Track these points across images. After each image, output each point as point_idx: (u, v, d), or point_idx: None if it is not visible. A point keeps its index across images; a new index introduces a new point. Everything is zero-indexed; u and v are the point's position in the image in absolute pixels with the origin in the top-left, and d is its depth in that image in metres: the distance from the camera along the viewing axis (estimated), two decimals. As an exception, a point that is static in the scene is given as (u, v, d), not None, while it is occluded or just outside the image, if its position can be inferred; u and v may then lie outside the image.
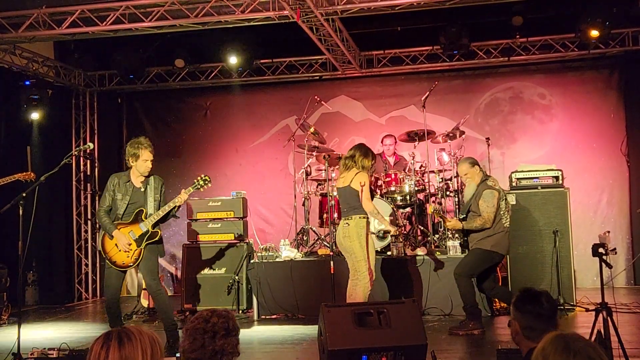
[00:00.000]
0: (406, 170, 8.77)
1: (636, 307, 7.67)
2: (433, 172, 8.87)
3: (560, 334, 2.20)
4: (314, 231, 8.88)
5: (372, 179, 8.10)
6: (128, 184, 6.17)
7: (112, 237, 6.12)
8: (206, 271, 8.50)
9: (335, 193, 7.48)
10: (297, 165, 9.77)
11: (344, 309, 4.97)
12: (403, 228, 8.54)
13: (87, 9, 8.31)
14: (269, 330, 7.44)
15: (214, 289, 8.36)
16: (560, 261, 7.79)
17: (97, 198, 10.95)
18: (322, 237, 8.73)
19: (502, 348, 4.88)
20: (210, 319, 2.79)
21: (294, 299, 8.03)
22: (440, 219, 7.25)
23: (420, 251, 7.92)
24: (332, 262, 7.03)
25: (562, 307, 7.49)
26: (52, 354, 5.66)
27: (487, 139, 9.37)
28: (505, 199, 6.83)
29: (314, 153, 9.13)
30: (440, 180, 8.72)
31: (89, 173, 11.28)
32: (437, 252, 7.96)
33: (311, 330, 6.75)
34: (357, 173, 6.49)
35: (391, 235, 7.79)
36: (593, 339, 4.38)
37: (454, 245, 7.79)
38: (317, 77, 11.02)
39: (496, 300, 7.61)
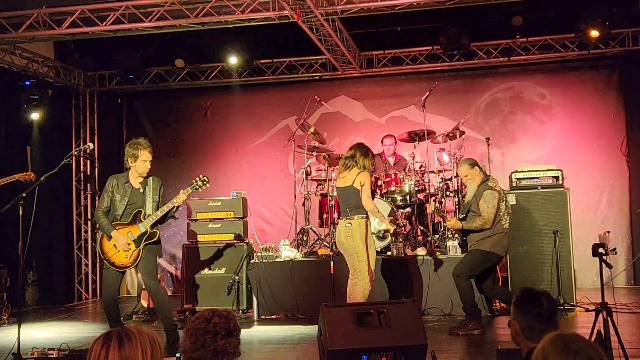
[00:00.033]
0: (406, 171, 8.77)
1: (636, 307, 7.67)
2: (433, 172, 8.87)
3: (560, 334, 2.20)
4: (314, 231, 8.88)
5: (372, 179, 8.10)
6: (127, 185, 6.18)
7: (110, 237, 6.12)
8: (206, 271, 8.51)
9: (334, 193, 7.48)
10: (297, 166, 9.78)
11: (344, 309, 4.97)
12: (403, 228, 8.54)
13: (87, 9, 8.31)
14: (269, 330, 7.44)
15: (214, 289, 8.36)
16: (560, 261, 7.79)
17: (97, 198, 10.95)
18: (322, 237, 8.73)
19: (502, 348, 4.88)
20: (211, 319, 2.78)
21: (294, 299, 8.03)
22: (441, 218, 7.25)
23: (420, 251, 7.92)
24: (332, 262, 7.03)
25: (562, 307, 7.49)
26: (52, 354, 5.66)
27: (487, 139, 9.37)
28: (506, 200, 6.82)
29: (314, 153, 9.13)
30: (440, 180, 8.72)
31: (89, 173, 11.28)
32: (437, 252, 7.97)
33: (311, 330, 6.75)
34: (359, 173, 6.50)
35: (390, 235, 7.79)
36: (593, 339, 4.38)
37: (454, 246, 7.79)
38: (317, 77, 11.02)
39: (496, 300, 7.61)
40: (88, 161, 11.25)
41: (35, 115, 10.08)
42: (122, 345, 2.19)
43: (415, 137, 9.12)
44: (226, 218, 8.71)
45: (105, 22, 8.40)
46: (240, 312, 8.25)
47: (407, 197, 8.62)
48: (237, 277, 8.27)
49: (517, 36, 9.99)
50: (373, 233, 6.72)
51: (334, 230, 6.86)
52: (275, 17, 8.20)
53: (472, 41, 9.94)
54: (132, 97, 11.84)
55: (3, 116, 10.02)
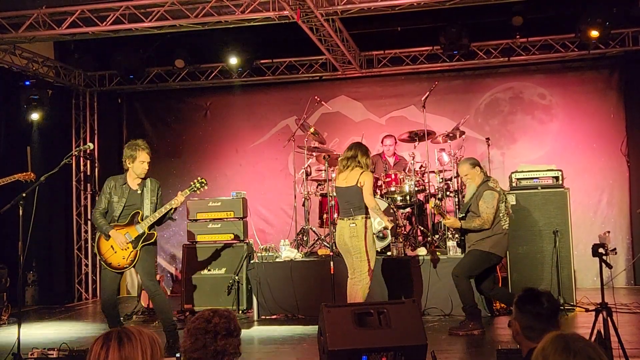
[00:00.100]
0: (406, 171, 8.77)
1: (636, 307, 7.67)
2: (433, 172, 8.87)
3: (560, 334, 2.20)
4: (314, 231, 8.88)
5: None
6: (124, 186, 6.18)
7: (108, 237, 6.12)
8: (206, 271, 8.51)
9: (334, 193, 7.48)
10: (297, 166, 9.78)
11: (344, 309, 4.97)
12: (403, 228, 8.54)
13: (87, 9, 8.31)
14: (269, 331, 7.43)
15: (214, 289, 8.36)
16: (561, 261, 7.78)
17: (97, 198, 10.94)
18: (322, 237, 8.72)
19: (502, 348, 4.88)
20: (212, 319, 2.78)
21: (294, 299, 8.03)
22: (440, 216, 7.25)
23: (421, 251, 7.92)
24: (332, 263, 7.03)
25: (562, 308, 7.49)
26: (52, 354, 5.66)
27: (487, 139, 9.36)
28: (506, 201, 6.82)
29: (314, 153, 9.13)
30: (441, 180, 8.72)
31: (89, 173, 11.28)
32: (437, 252, 7.97)
33: (311, 330, 6.75)
34: (361, 172, 6.52)
35: (391, 234, 7.79)
36: (593, 339, 4.38)
37: (454, 246, 7.79)
38: (317, 78, 11.02)
39: (496, 300, 7.61)
40: (88, 161, 11.25)
41: (35, 116, 10.08)
42: (122, 346, 2.19)
43: (415, 137, 9.12)
44: (226, 218, 8.71)
45: (105, 22, 8.40)
46: (241, 312, 8.25)
47: (407, 198, 8.62)
48: (237, 277, 8.27)
49: (517, 36, 9.99)
50: (373, 233, 6.73)
51: (334, 230, 6.86)
52: (275, 17, 8.20)
53: (472, 41, 9.95)
54: (132, 97, 11.85)
55: (3, 116, 10.02)
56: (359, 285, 6.47)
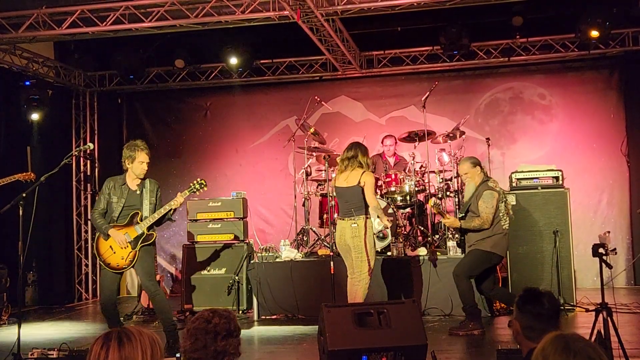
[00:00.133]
0: (406, 171, 8.77)
1: (636, 307, 7.67)
2: (433, 172, 8.87)
3: (560, 334, 2.20)
4: (314, 231, 8.88)
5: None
6: (123, 187, 6.19)
7: (107, 237, 6.12)
8: (206, 271, 8.51)
9: (334, 193, 7.48)
10: (297, 166, 9.78)
11: (344, 309, 4.97)
12: (403, 228, 8.54)
13: (87, 9, 8.31)
14: (269, 331, 7.44)
15: (214, 289, 8.36)
16: (561, 261, 7.78)
17: (96, 199, 10.94)
18: (322, 237, 8.72)
19: (502, 348, 4.88)
20: (211, 319, 2.77)
21: (294, 299, 8.03)
22: (440, 215, 7.25)
23: (421, 251, 7.92)
24: (332, 263, 7.03)
25: (562, 308, 7.49)
26: (52, 354, 5.65)
27: (487, 139, 9.37)
28: (505, 201, 6.82)
29: (314, 153, 9.13)
30: (441, 180, 8.72)
31: (89, 173, 11.28)
32: (438, 253, 7.96)
33: (311, 330, 6.75)
34: (363, 172, 6.52)
35: (391, 235, 7.79)
36: (593, 339, 4.38)
37: (454, 246, 7.79)
38: (318, 78, 11.02)
39: (496, 300, 7.61)
40: (88, 161, 11.25)
41: (35, 116, 10.08)
42: (121, 346, 2.19)
43: (415, 137, 9.12)
44: (226, 218, 8.71)
45: (105, 23, 8.41)
46: (241, 312, 8.25)
47: (408, 198, 8.62)
48: (237, 278, 8.27)
49: (517, 36, 9.99)
50: (374, 233, 6.73)
51: (334, 230, 6.87)
52: (276, 18, 8.20)
53: (472, 41, 9.94)
54: (132, 98, 11.85)
55: (3, 116, 10.02)
56: (358, 285, 6.48)
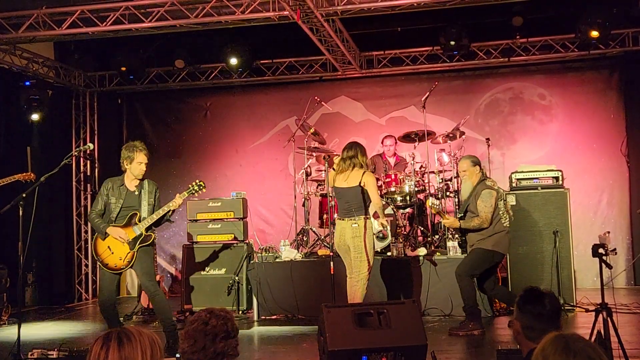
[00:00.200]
0: (406, 171, 8.77)
1: (636, 307, 7.67)
2: (433, 172, 8.87)
3: (560, 334, 2.20)
4: (314, 232, 8.88)
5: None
6: (122, 188, 6.19)
7: (104, 237, 6.12)
8: (206, 272, 8.51)
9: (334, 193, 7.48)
10: (297, 166, 9.78)
11: (344, 310, 4.97)
12: (403, 228, 8.54)
13: (87, 9, 8.32)
14: (269, 331, 7.44)
15: (214, 290, 8.36)
16: (561, 262, 7.78)
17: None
18: (322, 237, 8.72)
19: (502, 348, 4.88)
20: (209, 320, 2.76)
21: (294, 299, 8.03)
22: (439, 215, 7.25)
23: (421, 251, 7.92)
24: (332, 263, 7.03)
25: (562, 308, 7.48)
26: (52, 354, 5.65)
27: (487, 139, 9.36)
28: (504, 199, 6.83)
29: (314, 154, 9.13)
30: (440, 180, 8.72)
31: (89, 173, 11.28)
32: (438, 253, 7.97)
33: (311, 330, 6.75)
34: (364, 173, 6.53)
35: (391, 235, 7.79)
36: (593, 339, 4.38)
37: (454, 246, 7.79)
38: (318, 78, 11.02)
39: (496, 300, 7.61)
40: (88, 162, 11.25)
41: (35, 116, 10.06)
42: (121, 346, 2.19)
43: (415, 137, 9.12)
44: (226, 218, 8.71)
45: (105, 23, 8.41)
46: (241, 312, 8.25)
47: (407, 198, 8.62)
48: (237, 278, 8.27)
49: (517, 37, 9.99)
50: (373, 233, 6.73)
51: (333, 230, 6.87)
52: (275, 18, 8.20)
53: (472, 42, 9.94)
54: (132, 98, 11.85)
55: (3, 116, 10.02)
56: (357, 285, 6.48)
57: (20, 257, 5.71)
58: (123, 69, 10.26)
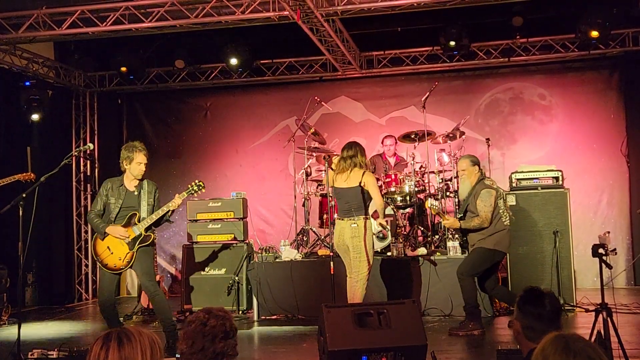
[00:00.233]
0: (406, 171, 8.77)
1: (636, 307, 7.67)
2: (433, 172, 8.87)
3: (560, 334, 2.20)
4: (314, 232, 8.88)
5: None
6: (121, 188, 6.20)
7: (103, 237, 6.13)
8: (206, 272, 8.52)
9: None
10: (297, 166, 9.79)
11: (344, 310, 4.97)
12: (403, 229, 8.54)
13: (87, 9, 8.32)
14: (269, 331, 7.44)
15: (214, 290, 8.36)
16: (561, 262, 7.78)
17: (96, 199, 10.95)
18: (322, 237, 8.72)
19: (502, 349, 4.87)
20: (207, 321, 2.74)
21: (294, 299, 8.03)
22: (439, 216, 7.25)
23: (420, 251, 7.92)
24: (332, 263, 7.03)
25: (562, 308, 7.48)
26: (52, 354, 5.65)
27: (487, 139, 9.37)
28: (504, 198, 6.83)
29: (314, 154, 9.13)
30: (440, 180, 8.72)
31: (89, 174, 11.28)
32: (438, 253, 7.97)
33: (311, 330, 6.75)
34: (364, 173, 6.53)
35: (391, 235, 7.79)
36: (593, 339, 4.38)
37: (454, 246, 7.79)
38: (318, 78, 11.02)
39: (497, 300, 7.61)
40: (88, 162, 11.25)
41: (35, 116, 10.06)
42: (121, 346, 2.19)
43: (415, 137, 9.12)
44: (226, 218, 8.71)
45: (105, 23, 8.41)
46: (241, 312, 8.25)
47: (407, 198, 8.62)
48: (237, 278, 8.27)
49: (517, 37, 9.99)
50: (373, 234, 6.73)
51: (334, 230, 6.87)
52: (276, 18, 8.20)
53: (472, 42, 9.94)
54: (132, 98, 11.85)
55: (3, 116, 10.01)
56: (357, 285, 6.48)
57: (20, 257, 5.71)
58: (123, 69, 10.26)
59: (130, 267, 6.20)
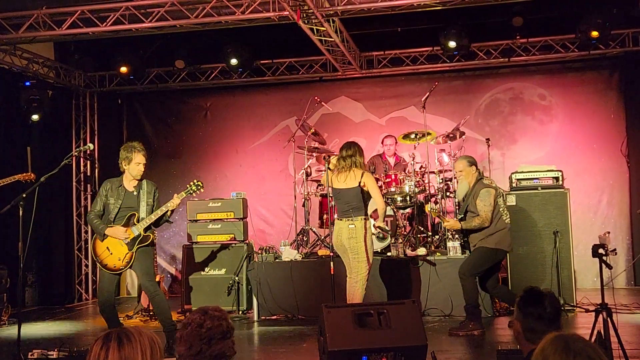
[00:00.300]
0: (406, 171, 8.77)
1: (636, 307, 7.67)
2: (433, 172, 8.87)
3: (560, 335, 2.20)
4: (314, 232, 8.88)
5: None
6: (120, 189, 6.21)
7: (103, 238, 6.13)
8: (206, 272, 8.51)
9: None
10: (297, 166, 9.79)
11: (344, 310, 4.97)
12: (403, 229, 8.54)
13: (87, 9, 8.32)
14: (269, 331, 7.44)
15: (214, 290, 8.36)
16: (561, 262, 7.79)
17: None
18: (322, 237, 8.73)
19: (502, 349, 4.88)
20: (204, 323, 2.69)
21: (294, 299, 8.03)
22: (439, 219, 7.25)
23: (420, 252, 7.92)
24: (332, 263, 7.02)
25: (562, 308, 7.49)
26: (52, 355, 5.65)
27: (487, 139, 9.38)
28: (503, 196, 6.84)
29: (314, 154, 9.13)
30: (441, 181, 8.72)
31: (89, 174, 11.28)
32: (437, 253, 7.97)
33: (311, 330, 6.76)
34: (362, 173, 6.52)
35: (391, 236, 7.79)
36: (593, 339, 4.38)
37: (454, 246, 7.79)
38: (318, 78, 11.02)
39: (497, 300, 7.61)
40: (88, 162, 11.25)
41: (35, 116, 10.06)
42: (121, 346, 2.19)
43: (415, 137, 9.11)
44: (226, 219, 8.71)
45: (105, 23, 8.40)
46: (241, 312, 8.25)
47: (407, 198, 8.62)
48: (237, 278, 8.27)
49: (517, 37, 9.99)
50: (373, 234, 6.73)
51: (333, 230, 6.86)
52: (276, 18, 8.20)
53: (473, 42, 9.94)
54: (132, 98, 11.85)
55: (3, 117, 10.01)
56: (356, 285, 6.48)
57: (20, 257, 5.71)
58: (123, 70, 10.26)
59: (130, 268, 6.20)
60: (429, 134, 8.97)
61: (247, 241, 8.62)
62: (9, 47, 9.32)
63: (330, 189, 6.91)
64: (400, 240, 8.08)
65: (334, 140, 10.55)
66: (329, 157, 8.27)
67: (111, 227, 6.12)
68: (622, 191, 10.09)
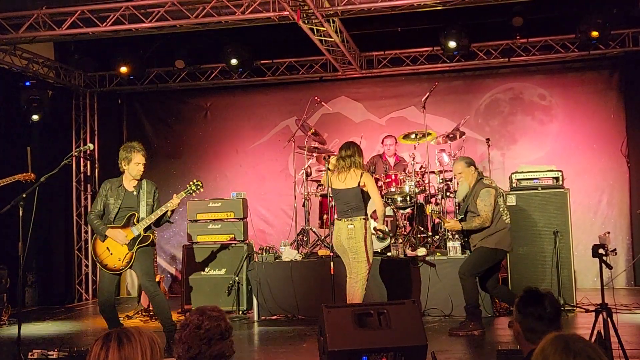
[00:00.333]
0: (406, 171, 8.77)
1: (636, 307, 7.67)
2: (433, 172, 8.87)
3: (560, 335, 2.20)
4: (314, 232, 8.88)
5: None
6: (120, 189, 6.21)
7: (104, 237, 6.13)
8: (206, 272, 8.51)
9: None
10: (297, 166, 9.79)
11: (344, 310, 4.97)
12: (403, 229, 8.54)
13: (87, 9, 8.32)
14: (269, 331, 7.44)
15: (214, 290, 8.36)
16: (561, 262, 7.79)
17: (96, 199, 10.95)
18: (322, 238, 8.73)
19: (503, 349, 4.87)
20: (202, 324, 2.67)
21: (294, 299, 8.03)
22: (440, 220, 7.26)
23: (420, 252, 7.92)
24: (332, 263, 7.02)
25: (562, 308, 7.48)
26: (52, 355, 5.65)
27: (487, 139, 9.38)
28: (503, 196, 6.84)
29: (314, 154, 9.13)
30: (441, 181, 8.72)
31: (89, 174, 11.28)
32: (438, 253, 7.97)
33: (311, 330, 6.75)
34: (362, 174, 6.52)
35: (391, 236, 7.79)
36: (593, 339, 4.38)
37: (454, 246, 7.79)
38: (318, 78, 11.02)
39: (497, 300, 7.61)
40: (88, 162, 11.25)
41: (35, 116, 10.06)
42: (121, 346, 2.19)
43: (415, 137, 9.12)
44: (226, 219, 8.71)
45: (105, 23, 8.41)
46: (241, 312, 8.25)
47: (407, 198, 8.62)
48: (237, 278, 8.27)
49: (517, 37, 9.99)
50: (372, 234, 6.73)
51: (334, 230, 6.86)
52: (276, 18, 8.20)
53: (473, 42, 9.94)
54: (132, 98, 11.85)
55: (3, 117, 10.02)
56: (356, 285, 6.48)
57: (20, 257, 5.71)
58: (123, 70, 10.26)
59: (130, 268, 6.20)
60: (429, 134, 8.97)
61: (247, 241, 8.62)
62: (9, 47, 9.32)
63: (330, 189, 6.90)
64: (400, 241, 8.08)
65: (334, 140, 10.55)
66: (329, 157, 8.29)
67: (112, 227, 6.12)
68: (622, 191, 10.09)
